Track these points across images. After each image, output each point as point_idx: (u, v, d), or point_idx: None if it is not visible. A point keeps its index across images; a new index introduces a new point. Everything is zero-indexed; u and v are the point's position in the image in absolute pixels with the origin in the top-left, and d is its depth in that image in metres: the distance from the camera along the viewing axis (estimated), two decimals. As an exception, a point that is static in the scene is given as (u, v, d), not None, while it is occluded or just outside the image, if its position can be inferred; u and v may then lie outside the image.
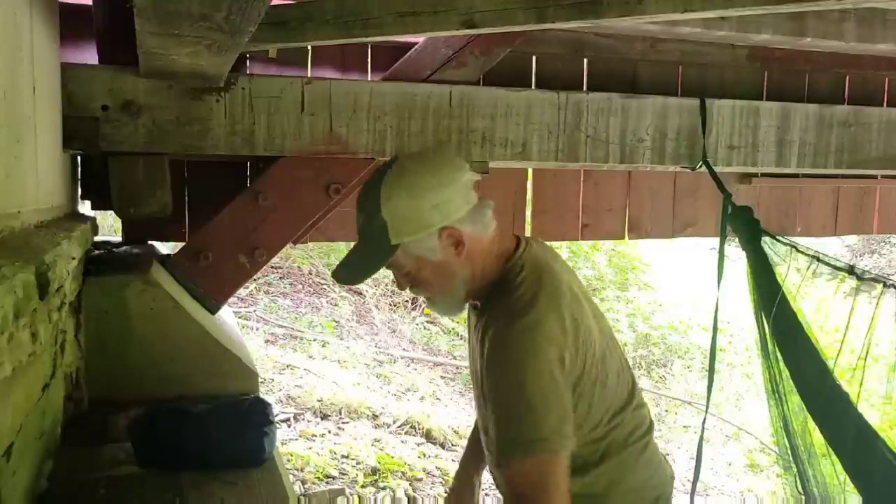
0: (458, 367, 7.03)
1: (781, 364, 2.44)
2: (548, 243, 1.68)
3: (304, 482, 4.44)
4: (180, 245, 2.31)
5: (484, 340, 1.44)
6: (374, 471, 4.78)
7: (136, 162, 2.05)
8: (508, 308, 1.41)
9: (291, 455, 4.69)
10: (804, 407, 2.42)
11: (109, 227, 4.80)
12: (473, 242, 1.46)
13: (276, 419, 2.60)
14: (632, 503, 1.57)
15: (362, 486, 4.59)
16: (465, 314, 1.70)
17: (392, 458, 4.96)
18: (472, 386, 1.71)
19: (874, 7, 2.58)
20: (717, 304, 2.63)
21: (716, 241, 2.73)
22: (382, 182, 1.42)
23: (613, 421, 1.53)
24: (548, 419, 1.31)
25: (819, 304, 2.67)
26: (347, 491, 4.40)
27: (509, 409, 1.33)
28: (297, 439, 5.04)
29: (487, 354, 1.41)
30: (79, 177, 2.26)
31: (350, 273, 1.54)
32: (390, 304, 8.00)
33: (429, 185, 1.41)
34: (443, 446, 5.38)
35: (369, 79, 2.53)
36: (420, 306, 8.04)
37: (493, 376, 1.39)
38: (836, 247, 11.04)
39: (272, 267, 7.74)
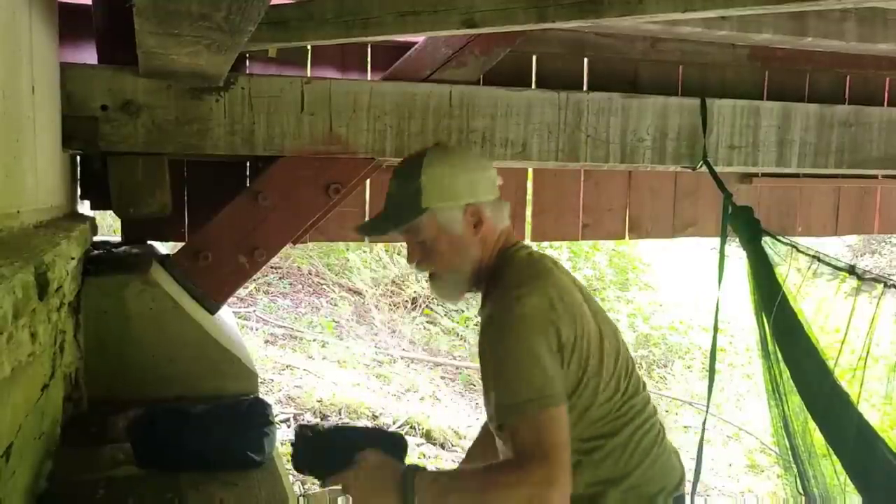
0: (457, 368, 7.03)
1: (782, 364, 2.44)
2: (549, 252, 1.74)
3: (303, 483, 4.43)
4: (180, 245, 2.31)
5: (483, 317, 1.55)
6: (374, 471, 4.77)
7: (136, 162, 2.04)
8: (502, 287, 1.53)
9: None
10: (804, 407, 2.41)
11: (109, 226, 4.80)
12: (489, 228, 1.59)
13: (276, 419, 2.59)
14: (631, 500, 1.57)
15: (362, 487, 4.58)
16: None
17: (392, 458, 4.95)
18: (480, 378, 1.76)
19: (875, 7, 2.57)
20: (717, 304, 2.62)
21: (716, 240, 2.72)
22: (426, 154, 1.59)
23: (622, 415, 1.57)
24: (533, 380, 1.39)
25: (820, 304, 2.67)
26: (347, 491, 4.39)
27: (498, 377, 1.42)
28: (296, 439, 5.03)
29: (480, 330, 1.52)
30: (78, 176, 2.26)
31: (377, 226, 1.64)
32: (390, 305, 7.99)
33: (467, 164, 1.59)
34: (443, 447, 5.37)
35: (369, 78, 2.52)
36: (420, 306, 8.04)
37: (483, 348, 1.49)
38: (836, 247, 11.04)
39: (272, 267, 7.73)
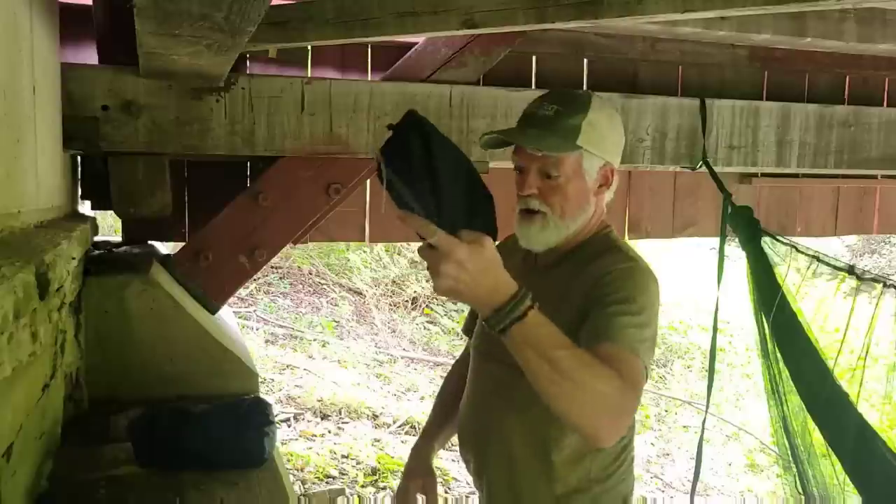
0: (458, 367, 7.03)
1: (781, 364, 2.44)
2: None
3: (304, 482, 4.44)
4: (180, 245, 2.32)
5: (577, 277, 1.50)
6: (374, 471, 4.79)
7: (136, 162, 2.05)
8: (623, 256, 1.52)
9: (291, 455, 4.70)
10: (804, 407, 2.41)
11: (109, 227, 4.80)
12: (602, 197, 1.58)
13: (276, 419, 2.60)
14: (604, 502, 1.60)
15: (362, 486, 4.60)
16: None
17: (392, 458, 4.96)
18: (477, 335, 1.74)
19: (874, 7, 2.58)
20: (717, 304, 2.63)
21: (716, 241, 2.73)
22: (592, 96, 1.54)
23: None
24: (650, 347, 1.39)
25: (819, 304, 2.67)
26: (347, 491, 4.41)
27: (629, 314, 1.39)
28: (297, 439, 5.05)
29: (603, 275, 1.46)
30: (79, 177, 2.26)
31: (516, 137, 1.53)
32: (390, 305, 8.00)
33: (619, 126, 1.58)
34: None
35: (369, 79, 2.53)
36: (420, 306, 8.04)
37: (612, 289, 1.43)
38: (836, 247, 11.04)
39: (272, 267, 7.74)
